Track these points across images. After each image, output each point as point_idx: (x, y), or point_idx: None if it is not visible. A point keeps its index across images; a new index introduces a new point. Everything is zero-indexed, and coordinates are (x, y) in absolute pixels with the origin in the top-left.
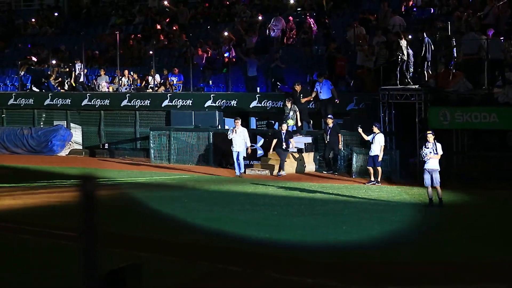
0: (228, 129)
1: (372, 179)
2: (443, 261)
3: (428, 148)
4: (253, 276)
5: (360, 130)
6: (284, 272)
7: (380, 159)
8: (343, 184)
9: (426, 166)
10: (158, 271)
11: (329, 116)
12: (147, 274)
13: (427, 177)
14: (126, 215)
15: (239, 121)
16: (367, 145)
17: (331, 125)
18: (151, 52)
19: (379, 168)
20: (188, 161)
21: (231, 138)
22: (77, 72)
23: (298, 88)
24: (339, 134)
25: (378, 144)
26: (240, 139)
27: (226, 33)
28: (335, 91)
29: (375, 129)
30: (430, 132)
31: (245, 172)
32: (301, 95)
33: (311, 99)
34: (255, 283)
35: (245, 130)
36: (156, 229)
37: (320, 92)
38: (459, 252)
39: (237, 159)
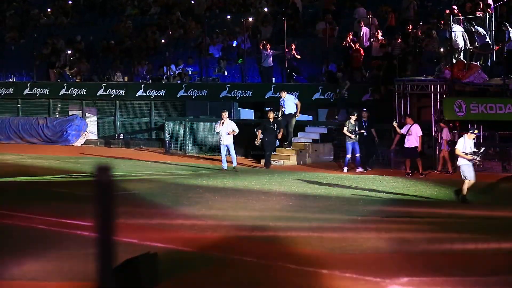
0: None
1: (408, 170)
2: (455, 252)
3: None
4: (268, 266)
5: (395, 124)
6: (299, 262)
7: (420, 149)
8: (358, 175)
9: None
10: (172, 262)
11: (364, 109)
12: (162, 264)
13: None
14: (140, 205)
15: (226, 113)
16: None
17: (366, 118)
18: (163, 40)
19: (419, 160)
20: (203, 151)
21: (219, 132)
22: (62, 62)
23: (271, 115)
24: (374, 129)
25: (415, 135)
26: (224, 133)
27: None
28: (299, 105)
29: (409, 120)
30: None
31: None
32: (275, 125)
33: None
34: (270, 273)
35: (232, 123)
36: (170, 219)
37: (284, 108)
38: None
39: (228, 152)
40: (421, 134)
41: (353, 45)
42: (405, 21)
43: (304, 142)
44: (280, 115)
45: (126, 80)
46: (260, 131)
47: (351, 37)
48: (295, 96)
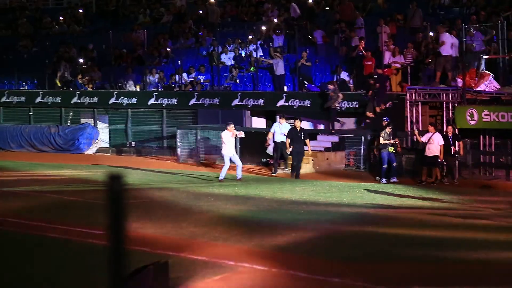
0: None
1: (423, 178)
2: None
3: None
4: (278, 275)
5: (416, 132)
6: (310, 271)
7: (441, 158)
8: (370, 183)
9: None
10: (182, 270)
11: (385, 118)
12: (172, 273)
13: None
14: (151, 214)
15: (233, 125)
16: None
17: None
18: (168, 49)
19: (437, 169)
20: (215, 159)
21: (226, 142)
22: (62, 71)
23: (298, 124)
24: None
25: (437, 144)
26: (232, 143)
27: (250, 37)
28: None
29: (431, 129)
30: None
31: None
32: (302, 133)
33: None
34: (281, 282)
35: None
36: (181, 227)
37: (274, 134)
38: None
39: (231, 162)
40: (443, 143)
41: (365, 54)
42: (413, 30)
43: (316, 151)
44: (268, 141)
45: (138, 89)
46: (288, 140)
47: (363, 45)
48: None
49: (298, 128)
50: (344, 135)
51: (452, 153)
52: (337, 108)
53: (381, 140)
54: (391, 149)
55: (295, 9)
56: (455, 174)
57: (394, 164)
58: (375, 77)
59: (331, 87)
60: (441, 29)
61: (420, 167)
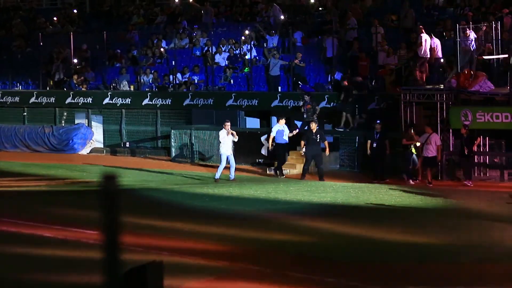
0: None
1: (430, 179)
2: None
3: None
4: (273, 275)
5: (412, 132)
6: (304, 271)
7: (439, 159)
8: (364, 183)
9: None
10: (177, 271)
11: (378, 121)
12: (167, 274)
13: None
14: (146, 214)
15: (229, 124)
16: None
17: (379, 130)
18: (162, 49)
19: (432, 169)
20: (209, 160)
21: (223, 141)
22: (53, 70)
23: (313, 126)
24: (387, 141)
25: (434, 144)
26: (229, 142)
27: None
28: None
29: (428, 129)
30: None
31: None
32: (318, 136)
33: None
34: (275, 282)
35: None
36: (176, 228)
37: (275, 136)
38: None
39: (228, 162)
40: (440, 143)
41: (359, 54)
42: (406, 30)
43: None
44: (270, 143)
45: (132, 89)
46: (303, 142)
47: (357, 45)
48: (288, 127)
49: (314, 130)
50: (339, 136)
51: (466, 153)
52: (315, 120)
53: (404, 142)
54: (413, 150)
55: (279, 11)
56: (471, 176)
57: (410, 167)
58: (346, 80)
59: (307, 98)
60: (420, 30)
61: (419, 168)
